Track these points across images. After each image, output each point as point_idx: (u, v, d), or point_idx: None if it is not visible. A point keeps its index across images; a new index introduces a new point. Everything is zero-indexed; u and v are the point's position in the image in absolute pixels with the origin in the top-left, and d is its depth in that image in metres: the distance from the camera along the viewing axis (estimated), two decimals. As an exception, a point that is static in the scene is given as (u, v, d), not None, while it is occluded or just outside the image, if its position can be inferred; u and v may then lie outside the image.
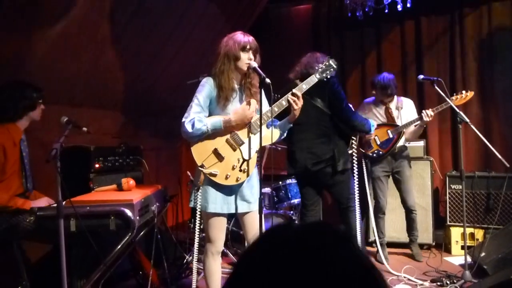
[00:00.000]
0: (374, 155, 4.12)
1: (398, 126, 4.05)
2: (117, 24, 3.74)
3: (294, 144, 3.40)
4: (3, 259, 2.81)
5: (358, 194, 3.34)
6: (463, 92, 3.81)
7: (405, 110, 4.14)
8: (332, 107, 3.32)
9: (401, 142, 4.13)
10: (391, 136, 4.07)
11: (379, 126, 4.06)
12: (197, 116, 2.49)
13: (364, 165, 4.14)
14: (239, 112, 2.52)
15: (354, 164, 3.35)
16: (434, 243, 4.47)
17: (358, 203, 3.39)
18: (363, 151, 4.16)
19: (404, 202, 4.17)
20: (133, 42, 4.02)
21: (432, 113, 3.77)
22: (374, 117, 4.15)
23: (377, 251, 4.04)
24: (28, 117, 2.86)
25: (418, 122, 3.90)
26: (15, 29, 3.04)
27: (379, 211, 4.18)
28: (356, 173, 3.32)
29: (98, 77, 3.92)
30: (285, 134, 2.78)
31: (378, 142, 4.10)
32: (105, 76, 3.99)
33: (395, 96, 4.18)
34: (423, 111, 3.77)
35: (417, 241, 4.26)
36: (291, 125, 2.71)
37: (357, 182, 3.30)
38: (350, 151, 3.40)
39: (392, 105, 4.17)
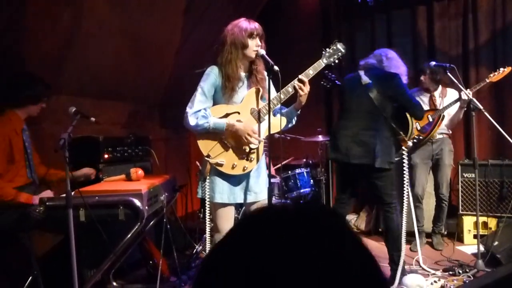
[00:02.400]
0: (415, 140, 4.11)
1: (438, 109, 4.06)
2: (125, 14, 3.72)
3: (339, 130, 3.29)
4: (14, 249, 2.83)
5: (405, 196, 3.18)
6: (500, 68, 3.78)
7: (448, 98, 4.13)
8: (396, 101, 3.24)
9: (441, 130, 4.13)
10: (431, 119, 4.07)
11: None
12: (202, 111, 2.46)
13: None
14: (246, 130, 2.46)
15: (405, 168, 3.15)
16: (446, 232, 4.42)
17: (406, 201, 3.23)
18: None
19: (436, 189, 4.21)
20: (140, 32, 4.00)
21: (471, 92, 3.71)
22: None
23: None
24: (27, 109, 2.84)
25: (458, 102, 3.91)
26: (24, 19, 3.03)
27: (414, 199, 4.17)
28: (406, 177, 3.15)
29: (106, 68, 3.91)
30: (293, 122, 2.72)
31: (419, 128, 4.11)
32: (113, 66, 3.98)
33: (440, 86, 4.19)
34: (463, 90, 3.72)
35: (440, 233, 4.27)
36: (298, 112, 2.66)
37: (406, 185, 3.16)
38: (397, 158, 3.23)
39: (436, 93, 4.20)
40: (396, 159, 3.20)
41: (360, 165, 3.17)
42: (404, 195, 3.15)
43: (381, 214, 3.41)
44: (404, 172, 3.13)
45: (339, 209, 3.43)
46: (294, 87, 2.51)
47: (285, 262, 0.53)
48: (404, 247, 3.21)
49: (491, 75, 3.77)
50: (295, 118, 2.70)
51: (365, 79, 3.23)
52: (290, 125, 2.72)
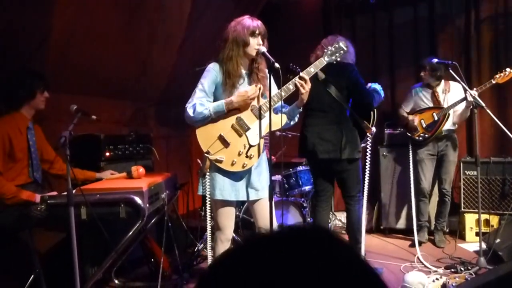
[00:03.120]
0: (420, 138, 4.17)
1: (444, 108, 4.05)
2: (126, 12, 3.71)
3: (306, 128, 3.39)
4: (16, 247, 2.84)
5: (367, 187, 3.31)
6: (507, 69, 3.74)
7: (452, 93, 4.12)
8: (352, 94, 3.32)
9: (448, 126, 4.12)
10: (436, 118, 4.08)
11: (425, 109, 4.17)
12: (199, 100, 2.46)
13: (410, 149, 4.27)
14: (241, 93, 2.47)
15: (367, 158, 3.28)
16: (448, 230, 4.42)
17: (366, 195, 3.37)
18: (410, 135, 4.23)
19: (439, 184, 4.22)
20: (141, 30, 3.99)
21: (476, 93, 3.70)
22: (421, 101, 4.23)
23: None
24: (30, 105, 2.83)
25: (463, 102, 3.90)
26: (23, 18, 3.02)
27: (420, 193, 4.20)
28: (368, 167, 3.27)
29: (107, 66, 3.91)
30: (295, 119, 2.72)
31: (424, 125, 4.13)
32: (114, 64, 3.97)
33: (443, 80, 4.17)
34: (468, 90, 3.71)
35: (442, 230, 4.27)
36: (300, 110, 2.65)
37: (368, 175, 3.25)
38: (363, 145, 3.36)
39: (439, 89, 4.19)
40: (362, 145, 3.33)
41: (328, 159, 3.26)
42: (365, 185, 3.28)
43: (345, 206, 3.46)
44: (367, 161, 3.24)
45: (322, 202, 3.51)
46: (295, 85, 2.51)
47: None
48: (364, 239, 3.35)
49: (497, 76, 3.72)
50: (297, 116, 2.70)
51: (321, 74, 3.25)
52: (292, 123, 2.72)
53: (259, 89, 2.51)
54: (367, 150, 3.28)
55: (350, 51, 3.35)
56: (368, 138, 3.28)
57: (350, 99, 3.36)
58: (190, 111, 2.45)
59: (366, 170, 3.27)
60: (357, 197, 3.37)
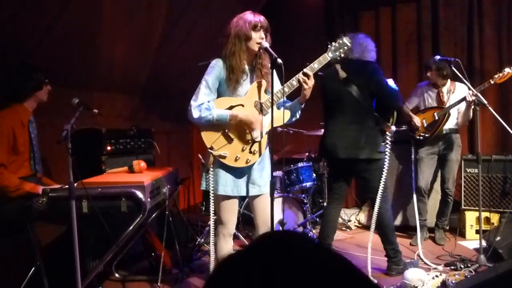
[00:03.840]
0: (421, 137, 4.18)
1: (444, 108, 4.05)
2: (129, 8, 3.70)
3: (327, 127, 3.39)
4: (17, 240, 2.85)
5: (382, 186, 3.23)
6: (505, 70, 3.73)
7: (456, 94, 4.11)
8: (377, 96, 3.26)
9: (449, 125, 4.11)
10: (436, 118, 4.08)
11: (427, 109, 4.17)
12: (206, 103, 2.45)
13: (412, 147, 4.27)
14: (250, 119, 2.47)
15: (386, 157, 3.22)
16: (448, 227, 4.42)
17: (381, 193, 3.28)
18: (411, 134, 4.23)
19: (442, 183, 4.22)
20: (142, 24, 3.98)
21: (476, 93, 3.69)
22: (426, 100, 4.22)
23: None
24: (35, 97, 2.86)
25: (463, 102, 3.90)
26: (26, 13, 3.02)
27: (417, 192, 4.21)
28: (386, 166, 3.20)
29: (110, 60, 3.90)
30: (297, 115, 2.71)
31: (425, 125, 4.14)
32: (116, 59, 3.97)
33: (449, 80, 4.15)
34: (471, 88, 3.70)
35: (443, 228, 4.28)
36: (302, 106, 2.64)
37: (385, 174, 3.20)
38: (383, 143, 3.30)
39: (445, 89, 4.17)
40: (382, 143, 3.29)
41: (348, 159, 3.24)
42: (381, 186, 3.20)
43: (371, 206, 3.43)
44: (385, 161, 3.18)
45: (335, 200, 3.52)
46: (299, 81, 2.50)
47: None
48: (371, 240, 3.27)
49: (496, 76, 3.71)
50: (299, 112, 2.69)
51: (342, 73, 3.24)
52: (294, 119, 2.71)
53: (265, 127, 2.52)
54: (386, 149, 3.21)
55: (370, 48, 3.33)
56: (387, 137, 3.22)
57: (374, 98, 3.29)
58: (195, 112, 2.44)
59: (384, 170, 3.19)
60: (382, 196, 3.28)
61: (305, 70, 2.51)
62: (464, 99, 3.83)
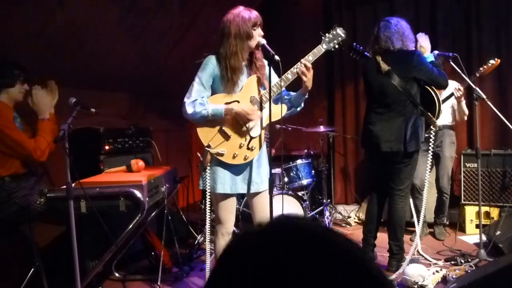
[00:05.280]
0: None
1: None
2: (123, 4, 3.68)
3: (370, 121, 3.31)
4: (16, 240, 2.84)
5: (427, 180, 3.23)
6: (489, 62, 3.74)
7: (446, 91, 4.05)
8: (420, 79, 3.19)
9: (443, 122, 4.09)
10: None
11: None
12: (199, 99, 2.43)
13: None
14: (245, 110, 2.44)
15: (430, 150, 3.21)
16: (448, 222, 4.42)
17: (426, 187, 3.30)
18: None
19: (437, 182, 4.20)
20: (139, 22, 3.96)
21: (462, 87, 3.71)
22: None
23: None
24: (7, 94, 2.77)
25: (451, 98, 3.89)
26: (19, 9, 3.00)
27: (412, 191, 4.14)
28: (430, 159, 3.20)
29: (107, 59, 3.89)
30: (301, 106, 2.67)
31: None
32: (113, 57, 3.95)
33: None
34: (454, 86, 3.69)
35: (442, 224, 4.27)
36: (306, 97, 2.61)
37: (429, 167, 3.20)
38: (426, 135, 3.28)
39: None
40: (425, 135, 3.25)
41: (391, 152, 3.19)
42: (426, 177, 3.19)
43: (387, 202, 3.40)
44: (429, 153, 3.18)
45: (381, 194, 3.43)
46: (297, 72, 2.48)
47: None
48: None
49: (481, 68, 3.74)
50: (303, 103, 2.67)
51: (384, 66, 3.16)
52: (299, 109, 2.68)
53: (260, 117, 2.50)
54: (430, 143, 3.20)
55: (407, 34, 3.19)
56: (431, 131, 3.21)
57: (419, 90, 3.23)
58: (189, 108, 2.42)
59: (428, 164, 3.20)
60: (405, 192, 3.29)
61: (302, 60, 2.49)
62: (452, 95, 3.82)
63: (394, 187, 3.29)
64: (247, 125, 2.49)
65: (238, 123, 2.49)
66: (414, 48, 3.28)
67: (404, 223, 3.39)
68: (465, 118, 4.18)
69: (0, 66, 2.79)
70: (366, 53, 3.32)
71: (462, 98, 3.94)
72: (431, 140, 3.22)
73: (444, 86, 3.33)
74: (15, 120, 2.81)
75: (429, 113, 3.19)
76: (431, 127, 3.23)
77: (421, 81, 3.19)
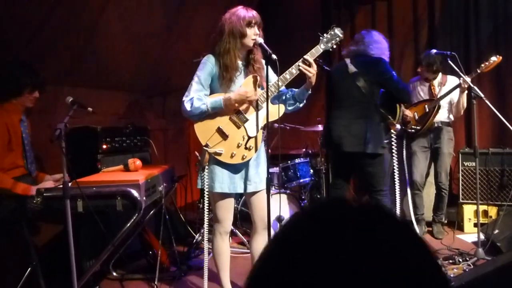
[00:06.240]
0: (412, 130, 4.16)
1: (434, 100, 4.03)
2: (123, 3, 3.67)
3: (332, 121, 3.38)
4: (13, 240, 2.83)
5: (397, 179, 3.20)
6: (491, 59, 3.72)
7: (447, 87, 4.08)
8: (383, 87, 3.32)
9: (441, 118, 4.10)
10: (427, 110, 4.06)
11: (419, 102, 4.16)
12: (197, 95, 2.43)
13: (404, 142, 4.23)
14: (241, 92, 2.43)
15: (394, 151, 3.20)
16: (446, 221, 4.41)
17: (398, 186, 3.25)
18: (403, 127, 4.20)
19: (435, 177, 4.20)
20: (138, 21, 3.95)
21: (469, 79, 3.69)
22: (418, 95, 4.21)
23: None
24: (17, 101, 2.75)
25: (456, 92, 3.90)
26: (19, 8, 2.99)
27: (413, 186, 4.19)
28: (396, 159, 3.18)
29: (105, 58, 3.87)
30: (304, 101, 2.67)
31: (417, 118, 4.13)
32: (111, 55, 3.94)
33: (440, 74, 4.15)
34: (462, 77, 3.69)
35: (440, 222, 4.26)
36: (309, 92, 2.61)
37: (396, 167, 3.18)
38: (387, 141, 3.33)
39: (436, 82, 4.16)
40: (385, 141, 3.32)
41: (352, 153, 3.26)
42: (396, 179, 3.16)
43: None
44: (394, 156, 3.17)
45: (336, 194, 3.54)
46: (300, 70, 2.48)
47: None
48: None
49: (482, 65, 3.72)
50: (305, 98, 2.66)
51: (352, 68, 3.27)
52: (301, 104, 2.68)
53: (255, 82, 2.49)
54: (393, 146, 3.20)
55: (384, 46, 3.34)
56: (392, 135, 3.24)
57: (379, 93, 3.33)
58: (187, 105, 2.42)
59: (394, 166, 3.15)
60: (383, 192, 3.33)
61: (305, 57, 2.49)
62: (458, 86, 3.82)
63: (372, 189, 3.36)
64: (245, 125, 2.48)
65: (236, 123, 2.49)
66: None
67: None
68: (462, 112, 4.18)
69: (7, 72, 2.73)
70: (325, 66, 3.53)
71: (465, 90, 3.94)
72: (393, 144, 3.22)
73: (405, 100, 3.41)
74: (22, 124, 2.79)
75: (389, 116, 3.27)
76: (391, 130, 3.28)
77: (388, 88, 3.30)
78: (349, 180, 3.57)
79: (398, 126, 3.29)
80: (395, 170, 3.14)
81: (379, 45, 3.34)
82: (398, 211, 3.30)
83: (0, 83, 2.72)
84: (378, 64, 3.27)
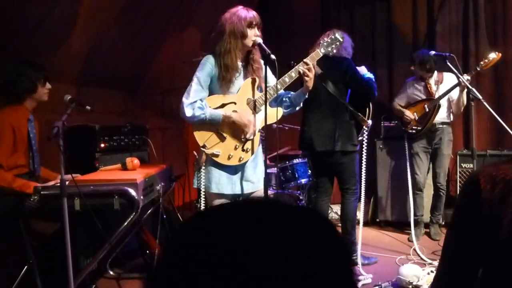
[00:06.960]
0: (413, 131, 4.16)
1: (434, 99, 4.02)
2: (122, 1, 3.67)
3: (304, 122, 3.47)
4: (10, 238, 2.82)
5: (364, 180, 3.29)
6: (490, 56, 3.72)
7: (444, 84, 4.08)
8: (352, 88, 3.42)
9: (441, 118, 4.10)
10: (427, 110, 4.06)
11: (417, 102, 4.16)
12: (198, 102, 2.43)
13: (405, 142, 4.25)
14: (244, 122, 2.47)
15: (364, 151, 3.26)
16: (444, 222, 4.42)
17: (364, 187, 3.35)
18: (403, 128, 4.22)
19: (434, 178, 4.21)
20: (136, 20, 3.95)
21: (469, 77, 3.71)
22: (415, 94, 4.21)
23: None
24: (32, 98, 2.78)
25: (455, 91, 3.90)
26: (17, 6, 2.98)
27: (415, 187, 4.20)
28: (365, 160, 3.26)
29: (103, 56, 3.87)
30: (300, 105, 2.70)
31: (416, 118, 4.12)
32: (109, 54, 3.94)
33: (435, 72, 4.13)
34: (460, 77, 3.70)
35: (438, 223, 4.27)
36: (306, 96, 2.64)
37: (364, 168, 3.26)
38: (360, 138, 3.39)
39: (432, 81, 4.15)
40: (359, 138, 3.38)
41: (324, 152, 3.35)
42: (362, 176, 3.27)
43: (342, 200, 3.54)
44: (363, 154, 3.24)
45: (320, 194, 3.60)
46: (299, 72, 2.49)
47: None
48: (361, 234, 3.37)
49: (482, 63, 3.74)
50: (302, 102, 2.69)
51: (317, 69, 3.26)
52: (297, 108, 2.72)
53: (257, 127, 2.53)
54: (364, 143, 3.28)
55: (346, 45, 3.39)
56: (364, 131, 3.31)
57: (348, 92, 3.43)
58: (187, 111, 2.42)
59: (363, 163, 3.27)
60: (353, 189, 3.43)
61: (305, 60, 2.51)
62: (458, 84, 3.81)
63: (341, 187, 3.48)
64: (245, 134, 2.50)
65: (234, 125, 2.49)
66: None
67: (355, 217, 3.51)
68: (462, 109, 4.17)
69: (19, 68, 2.74)
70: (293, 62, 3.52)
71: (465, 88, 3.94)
72: (364, 140, 3.27)
73: (370, 96, 3.45)
74: (30, 124, 2.79)
75: (359, 114, 3.32)
76: (364, 127, 3.32)
77: (352, 86, 3.38)
78: (332, 178, 3.61)
79: (370, 122, 3.34)
80: (363, 169, 3.23)
81: (345, 45, 3.39)
82: (362, 209, 3.36)
83: (15, 86, 2.72)
84: (343, 63, 3.35)
